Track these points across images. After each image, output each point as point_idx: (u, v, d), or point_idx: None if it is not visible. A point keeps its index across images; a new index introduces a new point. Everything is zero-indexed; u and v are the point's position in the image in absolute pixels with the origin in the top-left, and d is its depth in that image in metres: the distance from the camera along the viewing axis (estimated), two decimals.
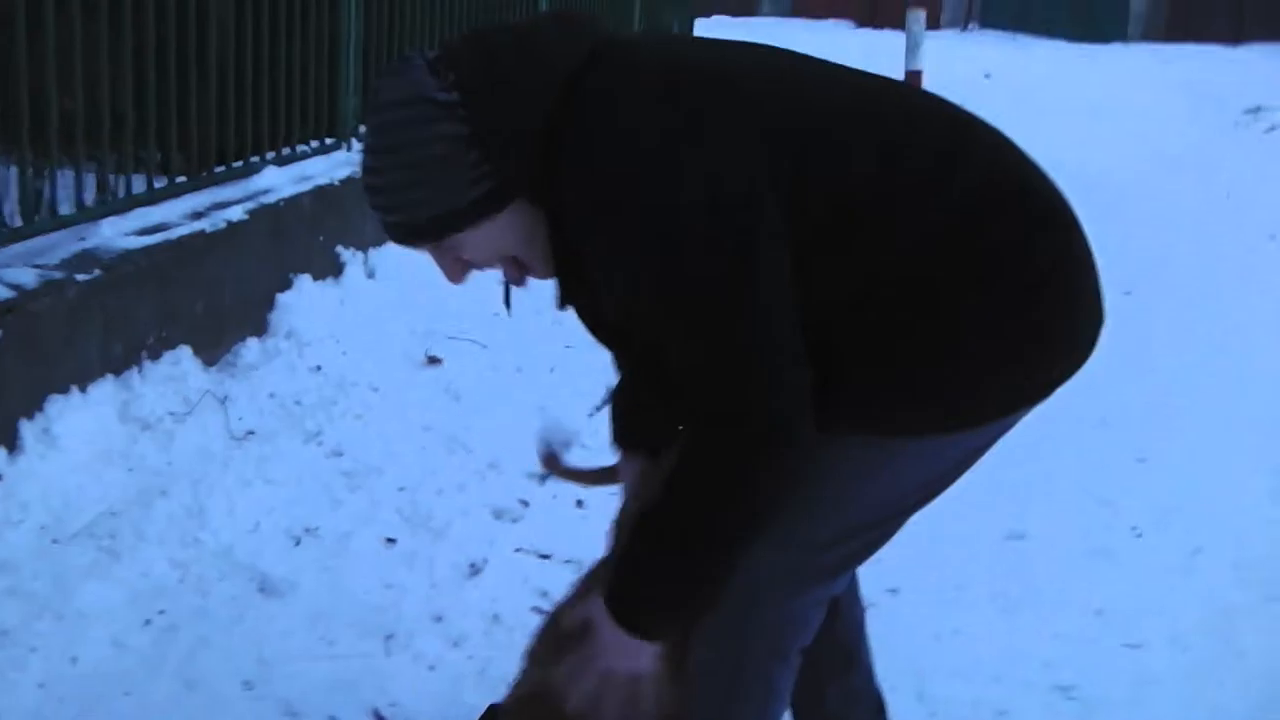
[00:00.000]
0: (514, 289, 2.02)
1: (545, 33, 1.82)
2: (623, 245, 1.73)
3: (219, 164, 4.57)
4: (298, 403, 4.15)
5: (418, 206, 1.78)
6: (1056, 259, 1.87)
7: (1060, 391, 1.98)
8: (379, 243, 5.38)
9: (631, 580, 1.87)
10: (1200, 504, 4.17)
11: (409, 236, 1.83)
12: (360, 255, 5.22)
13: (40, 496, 3.30)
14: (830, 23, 20.32)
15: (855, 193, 1.79)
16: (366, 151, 1.83)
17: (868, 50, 12.66)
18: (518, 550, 3.47)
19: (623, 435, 2.32)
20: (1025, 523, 3.91)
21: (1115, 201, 8.91)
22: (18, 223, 3.66)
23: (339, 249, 5.09)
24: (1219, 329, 6.00)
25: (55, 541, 3.18)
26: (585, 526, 2.40)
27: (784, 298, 1.73)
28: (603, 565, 2.20)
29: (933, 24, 21.12)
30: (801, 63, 1.93)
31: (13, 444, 3.36)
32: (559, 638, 2.09)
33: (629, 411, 2.30)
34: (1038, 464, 4.21)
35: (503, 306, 2.09)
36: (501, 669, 2.64)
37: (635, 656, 1.89)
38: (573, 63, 1.78)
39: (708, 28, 15.11)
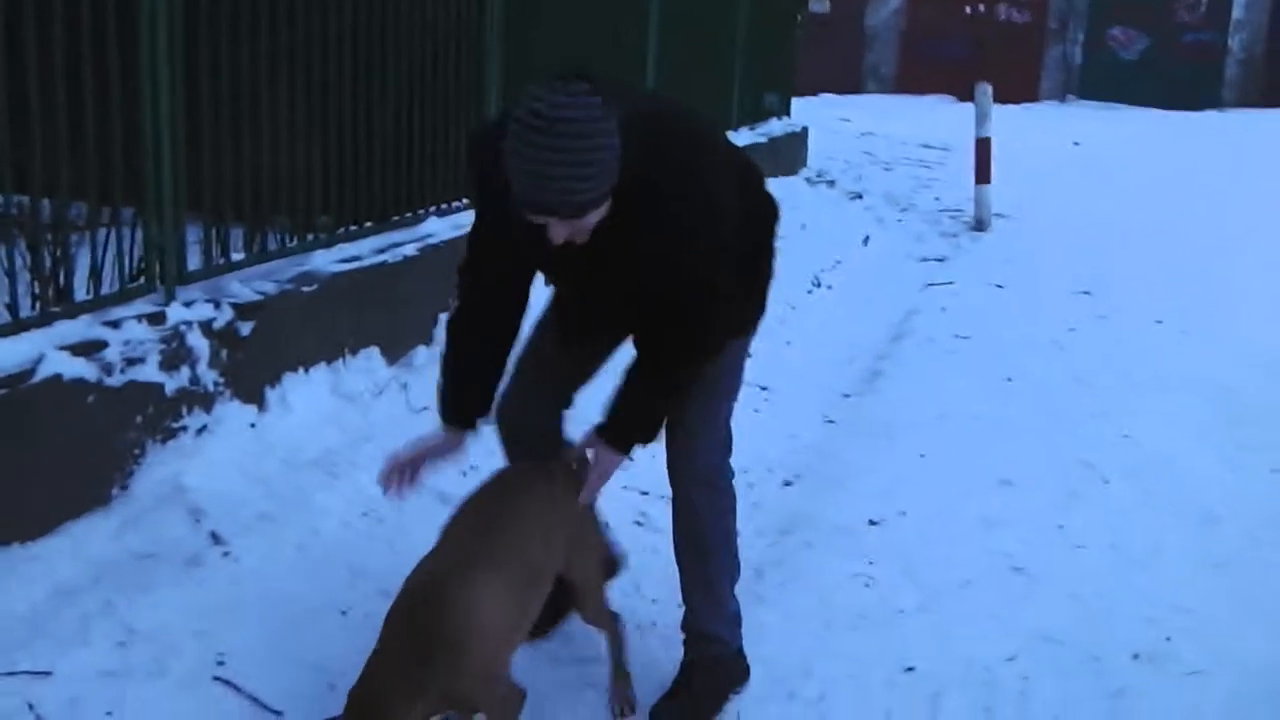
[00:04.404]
0: None
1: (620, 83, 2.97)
2: (684, 251, 2.91)
3: (395, 214, 5.90)
4: None
5: (594, 188, 2.63)
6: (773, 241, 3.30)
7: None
8: None
9: (627, 428, 3.13)
10: (1162, 464, 5.26)
11: (580, 208, 2.65)
12: None
13: (280, 439, 4.58)
14: (932, 98, 21.23)
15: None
16: (553, 149, 2.55)
17: (959, 120, 13.82)
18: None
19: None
20: (1013, 472, 5.03)
21: (1170, 243, 9.93)
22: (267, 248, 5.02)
23: None
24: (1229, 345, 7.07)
25: (294, 467, 4.46)
26: None
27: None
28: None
29: (1032, 96, 22.14)
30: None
31: (261, 404, 4.67)
32: None
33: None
34: (1038, 441, 5.36)
35: None
36: None
37: (619, 465, 3.18)
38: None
39: (815, 105, 16.20)
